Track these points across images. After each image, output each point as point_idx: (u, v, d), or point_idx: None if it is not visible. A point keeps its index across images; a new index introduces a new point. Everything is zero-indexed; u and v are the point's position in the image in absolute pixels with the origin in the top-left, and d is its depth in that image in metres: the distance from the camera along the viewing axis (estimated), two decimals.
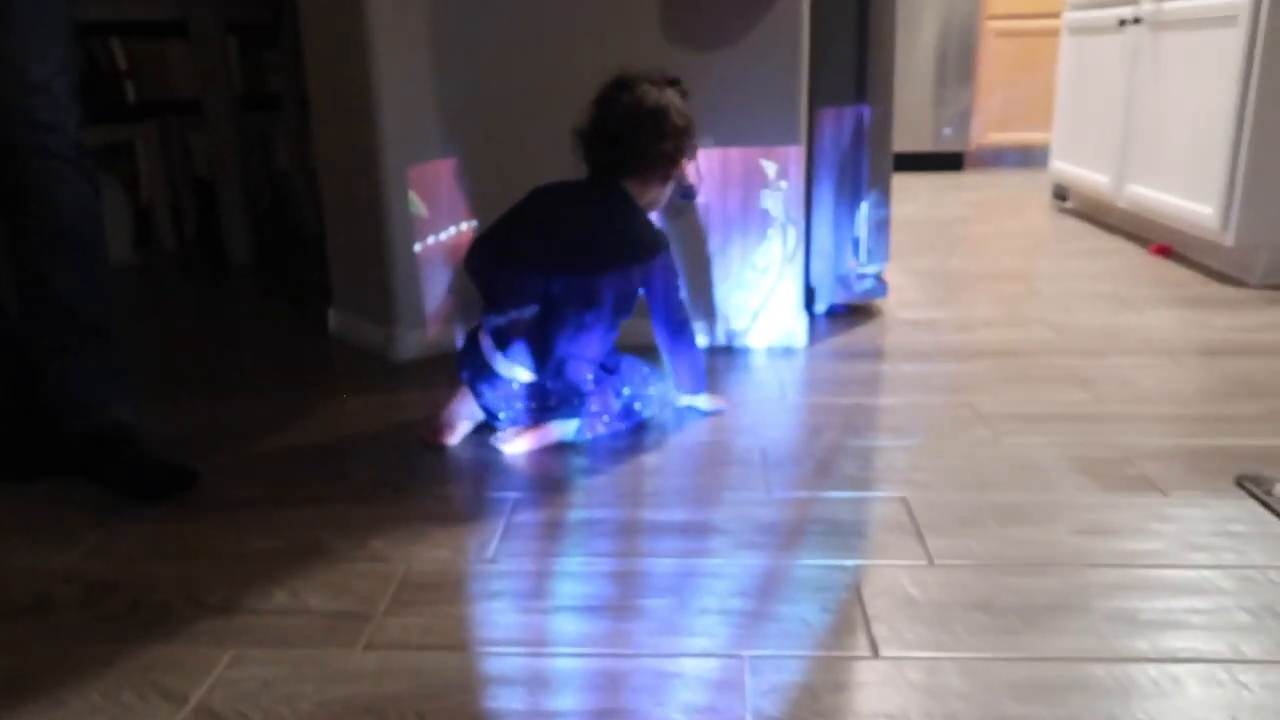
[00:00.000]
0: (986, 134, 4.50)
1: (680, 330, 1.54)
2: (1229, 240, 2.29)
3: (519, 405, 1.47)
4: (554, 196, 1.51)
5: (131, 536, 1.22)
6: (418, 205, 1.85)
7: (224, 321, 2.31)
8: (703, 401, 1.59)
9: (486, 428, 1.51)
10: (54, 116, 1.28)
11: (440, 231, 1.88)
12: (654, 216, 1.56)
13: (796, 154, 1.84)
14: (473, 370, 1.48)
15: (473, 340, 1.50)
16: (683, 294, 1.55)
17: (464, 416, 1.50)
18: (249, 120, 3.12)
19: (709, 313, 1.93)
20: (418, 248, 1.86)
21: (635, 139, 1.46)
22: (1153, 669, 0.92)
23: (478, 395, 1.48)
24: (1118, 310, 2.14)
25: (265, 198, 3.74)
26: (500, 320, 1.45)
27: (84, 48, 3.22)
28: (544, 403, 1.47)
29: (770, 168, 1.84)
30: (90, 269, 1.36)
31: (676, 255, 1.88)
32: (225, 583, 1.11)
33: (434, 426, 1.50)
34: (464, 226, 1.90)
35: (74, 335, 1.36)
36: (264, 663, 0.96)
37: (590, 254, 1.45)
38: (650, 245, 1.48)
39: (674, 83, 1.50)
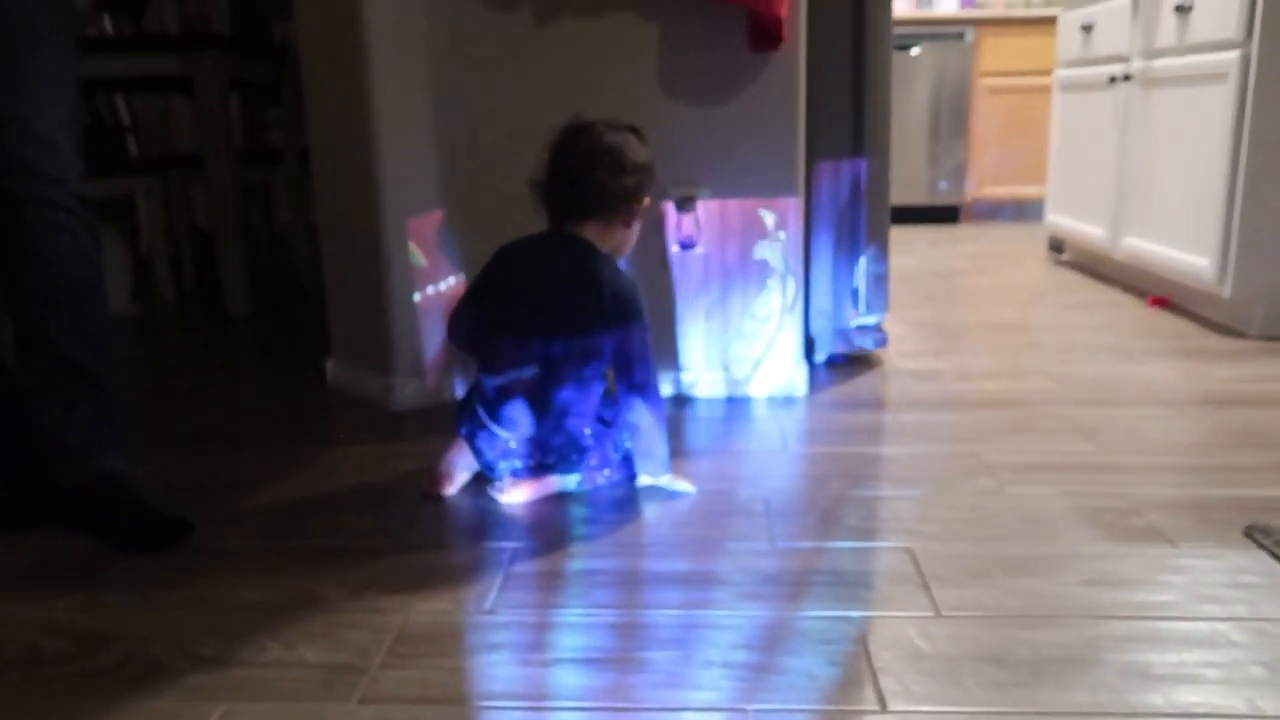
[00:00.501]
0: (981, 188, 4.55)
1: (646, 399, 1.43)
2: (1226, 292, 2.29)
3: (518, 463, 1.45)
4: (521, 258, 1.46)
5: (123, 589, 1.20)
6: (417, 256, 1.85)
7: (222, 373, 2.30)
8: (666, 481, 1.46)
9: (485, 477, 1.50)
10: (57, 169, 1.29)
11: (439, 281, 1.89)
12: (622, 263, 1.51)
13: (795, 205, 1.85)
14: (471, 425, 1.46)
15: (472, 395, 1.49)
16: (651, 366, 1.45)
17: (462, 467, 1.49)
18: (250, 174, 3.15)
19: (709, 363, 1.93)
20: (417, 297, 1.86)
21: (593, 176, 1.41)
22: None
23: (477, 452, 1.47)
24: (1118, 361, 2.14)
25: (265, 251, 3.76)
26: (500, 380, 1.43)
27: (88, 103, 3.26)
28: (543, 460, 1.45)
29: (769, 218, 1.85)
30: (90, 320, 1.35)
31: (670, 307, 1.89)
32: (218, 635, 1.08)
33: (432, 477, 1.48)
34: (463, 277, 1.90)
35: (71, 386, 1.35)
36: (257, 717, 0.93)
37: (576, 318, 1.40)
38: (630, 306, 1.41)
39: (632, 129, 1.48)
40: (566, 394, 1.41)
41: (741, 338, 1.91)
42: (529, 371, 1.41)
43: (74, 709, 0.95)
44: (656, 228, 1.86)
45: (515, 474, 1.46)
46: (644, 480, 1.47)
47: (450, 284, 1.89)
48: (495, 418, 1.43)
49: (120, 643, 1.07)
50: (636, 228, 1.51)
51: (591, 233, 1.45)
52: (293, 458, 1.65)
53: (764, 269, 1.88)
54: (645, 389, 1.43)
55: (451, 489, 1.47)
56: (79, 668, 1.03)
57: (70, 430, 1.35)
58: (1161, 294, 2.70)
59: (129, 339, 2.59)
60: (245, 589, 1.19)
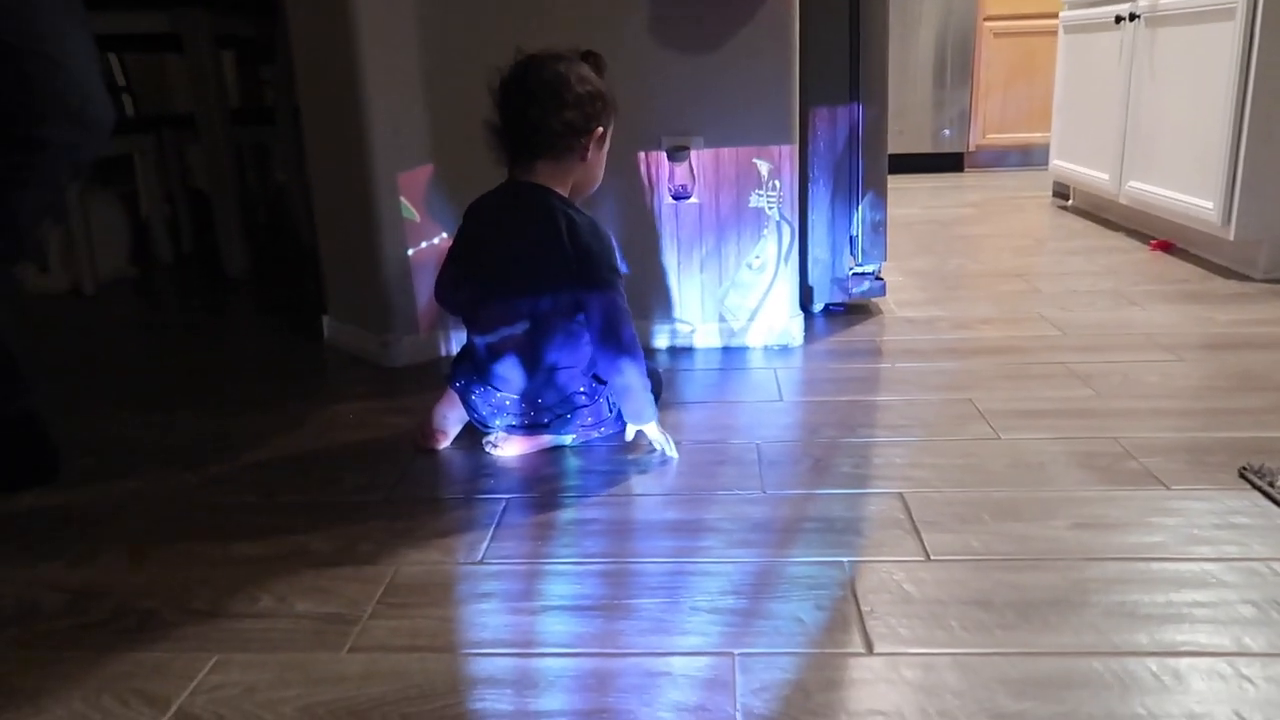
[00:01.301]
0: (986, 135, 4.49)
1: (619, 358, 1.38)
2: (1230, 234, 2.26)
3: (512, 419, 1.44)
4: (484, 212, 1.43)
5: (117, 545, 1.21)
6: (410, 210, 1.84)
7: (219, 333, 2.30)
8: (652, 430, 1.41)
9: (478, 430, 1.50)
10: (87, 97, 1.29)
11: (432, 236, 1.87)
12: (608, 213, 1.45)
13: (789, 153, 1.83)
14: (466, 380, 1.46)
15: (466, 350, 1.49)
16: (630, 322, 1.40)
17: (454, 420, 1.49)
18: (246, 134, 3.12)
19: (705, 314, 1.92)
20: (410, 252, 1.85)
21: (532, 112, 1.35)
22: (1153, 663, 0.90)
23: (470, 407, 1.46)
24: (1119, 306, 2.12)
25: (262, 210, 3.74)
26: (490, 338, 1.42)
27: None
28: (537, 419, 1.43)
29: (763, 167, 1.83)
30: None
31: (665, 258, 1.88)
32: (211, 589, 1.09)
33: (425, 431, 1.48)
34: (444, 236, 1.89)
35: None
36: (248, 667, 0.94)
37: (542, 266, 1.37)
38: (591, 245, 1.36)
39: (589, 56, 1.41)
40: (556, 348, 1.40)
41: (737, 288, 1.90)
42: (520, 328, 1.39)
43: (67, 661, 0.96)
44: (650, 178, 1.84)
45: (510, 430, 1.45)
46: (631, 431, 1.45)
47: (443, 238, 1.88)
48: (489, 375, 1.42)
49: (114, 597, 1.08)
50: (598, 162, 1.44)
51: (543, 174, 1.40)
52: (288, 415, 1.65)
53: (759, 217, 1.86)
54: (632, 349, 1.38)
55: (444, 443, 1.48)
56: (74, 621, 1.04)
57: None
58: (1165, 238, 2.67)
59: (128, 300, 2.59)
60: (238, 544, 1.20)
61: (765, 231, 1.87)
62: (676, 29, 1.77)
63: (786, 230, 1.87)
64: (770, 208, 1.85)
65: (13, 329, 1.37)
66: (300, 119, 2.00)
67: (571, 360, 1.41)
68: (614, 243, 1.41)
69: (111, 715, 0.88)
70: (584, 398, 1.43)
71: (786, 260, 1.88)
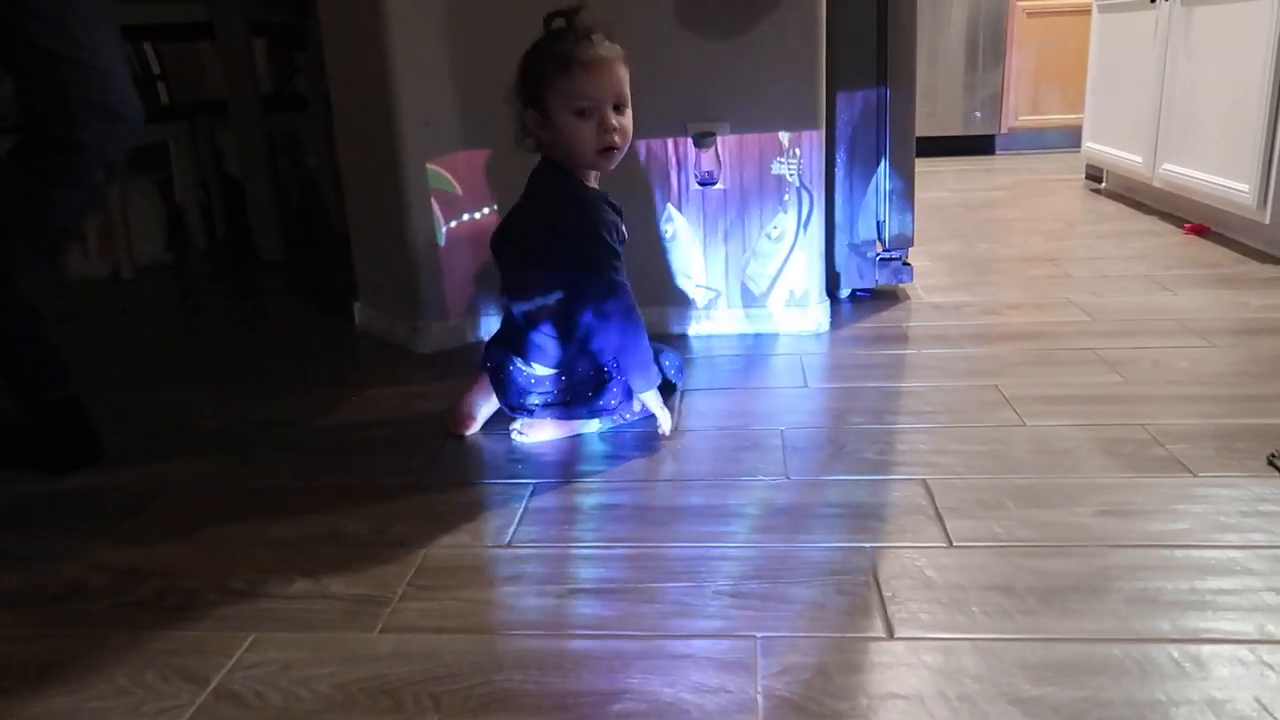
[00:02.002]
0: (1018, 117, 4.44)
1: (609, 322, 1.40)
2: (1266, 218, 2.23)
3: (542, 399, 1.46)
4: (526, 186, 1.47)
5: (161, 527, 1.25)
6: (452, 184, 1.85)
7: (253, 319, 2.34)
8: (650, 399, 1.44)
9: (507, 417, 1.52)
10: (122, 103, 1.33)
11: (460, 220, 1.89)
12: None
13: (816, 139, 1.82)
14: (499, 359, 1.48)
15: (501, 331, 1.51)
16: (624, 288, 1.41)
17: (483, 406, 1.51)
18: (279, 120, 3.16)
19: (730, 300, 1.92)
20: (453, 224, 1.88)
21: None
22: (1174, 649, 0.90)
23: (503, 386, 1.48)
24: (1151, 291, 2.10)
25: (295, 196, 3.79)
26: (527, 305, 1.44)
27: None
28: (566, 400, 1.45)
29: (784, 138, 1.82)
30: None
31: (692, 243, 1.88)
32: (249, 569, 1.13)
33: (455, 416, 1.51)
34: (486, 211, 1.90)
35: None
36: (283, 646, 0.97)
37: (555, 244, 1.41)
38: (594, 217, 1.38)
39: (550, 19, 1.38)
40: (590, 315, 1.42)
41: (758, 257, 1.90)
42: (554, 297, 1.42)
43: (112, 638, 1.00)
44: (676, 165, 1.85)
45: (541, 410, 1.47)
46: (638, 403, 1.47)
47: (480, 214, 1.89)
48: (525, 347, 1.44)
49: (157, 577, 1.12)
50: (560, 133, 1.36)
51: (547, 152, 1.42)
52: (321, 400, 1.68)
53: (780, 186, 1.85)
54: (628, 316, 1.40)
55: (475, 427, 1.50)
56: (119, 600, 1.08)
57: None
58: (1199, 221, 2.63)
59: (164, 286, 2.64)
60: (275, 526, 1.23)
61: (786, 198, 1.86)
62: (703, 15, 1.77)
63: (807, 197, 1.86)
64: (791, 174, 1.84)
65: (56, 319, 1.41)
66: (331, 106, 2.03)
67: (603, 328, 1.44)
68: (618, 219, 1.42)
69: (154, 691, 0.91)
70: (615, 369, 1.45)
71: (805, 228, 1.88)
